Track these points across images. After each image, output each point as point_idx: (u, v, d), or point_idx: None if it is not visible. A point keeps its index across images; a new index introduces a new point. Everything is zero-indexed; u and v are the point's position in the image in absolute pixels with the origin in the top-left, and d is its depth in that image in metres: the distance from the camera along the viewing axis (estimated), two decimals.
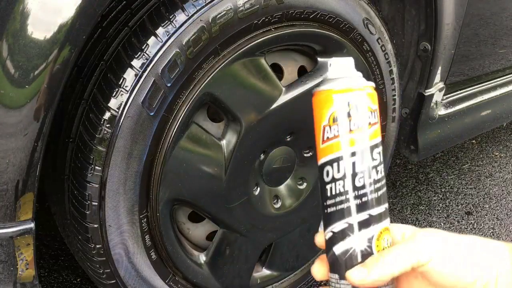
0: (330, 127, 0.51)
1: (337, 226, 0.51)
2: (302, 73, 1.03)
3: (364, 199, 0.51)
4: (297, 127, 1.03)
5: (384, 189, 0.53)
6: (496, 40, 1.44)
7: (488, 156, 2.06)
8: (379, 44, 1.08)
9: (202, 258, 1.02)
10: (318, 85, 0.54)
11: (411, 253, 0.50)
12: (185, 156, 0.88)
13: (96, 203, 0.83)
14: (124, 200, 0.85)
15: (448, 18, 1.17)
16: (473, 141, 2.17)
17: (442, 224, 1.63)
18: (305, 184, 1.10)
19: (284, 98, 0.97)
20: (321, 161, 0.52)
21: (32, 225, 0.75)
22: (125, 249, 0.88)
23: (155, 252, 0.93)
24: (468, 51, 1.35)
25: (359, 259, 0.51)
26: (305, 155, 1.07)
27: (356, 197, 0.51)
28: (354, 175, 0.51)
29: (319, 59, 1.01)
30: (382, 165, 0.52)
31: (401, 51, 1.25)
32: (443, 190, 1.81)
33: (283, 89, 0.97)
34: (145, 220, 0.89)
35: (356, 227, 0.51)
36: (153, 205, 0.88)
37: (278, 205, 1.08)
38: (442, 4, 1.13)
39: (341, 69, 0.54)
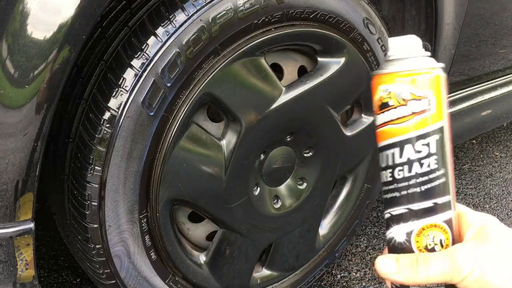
0: (377, 115, 0.50)
1: (386, 214, 0.51)
2: (302, 73, 1.03)
3: (403, 192, 0.49)
4: (297, 127, 1.02)
5: (436, 183, 0.49)
6: (497, 40, 1.44)
7: (489, 156, 2.05)
8: (379, 44, 1.08)
9: (202, 258, 1.01)
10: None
11: (448, 268, 0.47)
12: (185, 156, 0.88)
13: (96, 203, 0.83)
14: (124, 200, 0.85)
15: (448, 18, 1.17)
16: (474, 141, 2.17)
17: None
18: (305, 184, 1.09)
19: (284, 98, 0.96)
20: (378, 145, 0.51)
21: (31, 225, 0.75)
22: (125, 249, 0.88)
23: (155, 252, 0.93)
24: (468, 51, 1.35)
25: (398, 251, 0.50)
26: (305, 155, 1.07)
27: (396, 189, 0.49)
28: (393, 166, 0.49)
29: (319, 59, 1.01)
30: (434, 157, 0.49)
31: None
32: None
33: (283, 89, 0.97)
34: (145, 220, 0.89)
35: (395, 219, 0.50)
36: (153, 205, 0.88)
37: (278, 205, 1.07)
38: (443, 3, 1.13)
39: (404, 49, 0.50)
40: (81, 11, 0.69)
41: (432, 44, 1.19)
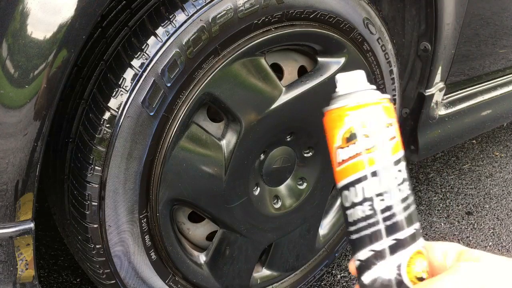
0: (342, 149, 0.48)
1: (362, 254, 0.47)
2: (302, 73, 1.03)
3: (388, 222, 0.46)
4: (297, 127, 1.02)
5: (412, 208, 0.48)
6: (497, 40, 1.44)
7: (489, 156, 2.05)
8: (379, 44, 1.08)
9: (202, 258, 1.01)
10: (328, 103, 0.50)
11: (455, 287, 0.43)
12: (185, 156, 0.88)
13: (96, 203, 0.83)
14: (124, 200, 0.85)
15: (448, 18, 1.17)
16: (474, 141, 2.17)
17: (442, 224, 1.63)
18: (305, 184, 1.09)
19: (284, 98, 0.96)
20: (338, 185, 0.49)
21: (31, 225, 0.75)
22: (125, 249, 0.88)
23: (155, 252, 0.93)
24: (469, 51, 1.35)
25: None
26: (305, 155, 1.07)
27: (379, 222, 0.46)
28: (372, 198, 0.46)
29: (319, 59, 1.01)
30: (407, 182, 0.47)
31: (401, 51, 1.25)
32: (443, 190, 1.81)
33: (283, 89, 0.97)
34: (145, 220, 0.89)
35: (382, 254, 0.46)
36: (153, 205, 0.88)
37: (278, 205, 1.07)
38: (443, 3, 1.13)
39: (351, 83, 0.49)
40: (81, 11, 0.69)
41: (432, 44, 1.19)
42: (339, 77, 0.50)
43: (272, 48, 0.94)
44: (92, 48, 0.86)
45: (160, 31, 0.80)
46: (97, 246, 0.86)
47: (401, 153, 0.48)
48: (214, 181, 0.93)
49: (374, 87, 0.50)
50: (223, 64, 0.86)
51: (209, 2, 0.82)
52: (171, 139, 0.85)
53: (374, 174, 0.46)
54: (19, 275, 0.77)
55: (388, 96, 0.50)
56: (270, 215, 1.06)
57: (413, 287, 0.45)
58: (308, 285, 1.25)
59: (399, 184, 0.46)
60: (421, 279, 0.46)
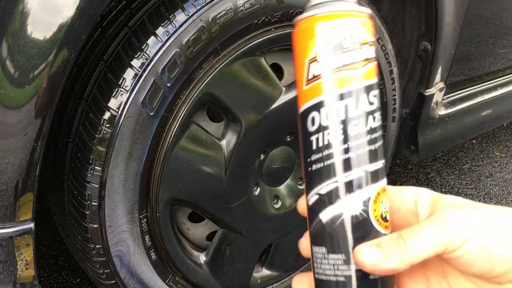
0: (316, 63, 0.41)
1: (325, 187, 0.42)
2: None
3: (359, 151, 0.41)
4: (297, 127, 1.02)
5: (382, 141, 0.43)
6: (497, 40, 1.44)
7: (489, 156, 2.05)
8: (379, 44, 1.08)
9: (202, 258, 1.01)
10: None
11: (441, 236, 0.39)
12: (185, 156, 0.88)
13: (96, 203, 0.83)
14: (124, 200, 0.85)
15: (448, 18, 1.17)
16: (474, 141, 2.17)
17: None
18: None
19: (284, 98, 0.96)
20: (304, 106, 0.43)
21: (31, 225, 0.75)
22: (124, 249, 0.88)
23: (155, 252, 0.93)
24: (469, 51, 1.35)
25: (353, 227, 0.41)
26: None
27: (348, 150, 0.41)
28: (345, 121, 0.41)
29: None
30: (379, 112, 0.43)
31: (402, 51, 1.25)
32: (443, 190, 1.81)
33: (283, 89, 0.97)
34: (145, 220, 0.89)
35: (348, 186, 0.41)
36: (153, 205, 0.88)
37: (278, 205, 1.07)
38: (443, 4, 1.13)
39: None
40: (81, 11, 0.69)
41: (432, 44, 1.19)
42: None
43: (272, 48, 0.94)
44: (92, 48, 0.86)
45: (160, 31, 0.80)
46: (97, 246, 0.86)
47: (374, 79, 0.43)
48: (214, 181, 0.93)
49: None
50: (223, 64, 0.86)
51: (209, 2, 0.82)
52: (171, 139, 0.85)
53: (344, 96, 0.41)
54: (19, 275, 0.77)
55: (367, 10, 0.44)
56: (270, 215, 1.06)
57: (395, 234, 0.41)
58: None
59: (372, 112, 0.42)
60: (385, 218, 0.42)
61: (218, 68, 0.86)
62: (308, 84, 0.42)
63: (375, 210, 0.41)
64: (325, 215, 0.43)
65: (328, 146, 0.42)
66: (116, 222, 0.85)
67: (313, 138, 0.42)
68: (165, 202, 0.89)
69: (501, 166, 1.98)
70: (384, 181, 0.43)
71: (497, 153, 2.08)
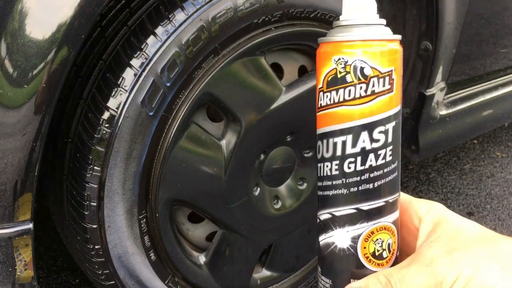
0: (324, 93, 0.41)
1: (323, 215, 0.42)
2: (303, 72, 1.03)
3: (352, 189, 0.40)
4: (297, 127, 1.02)
5: (388, 178, 0.41)
6: (498, 40, 1.44)
7: (490, 156, 2.05)
8: None
9: (202, 259, 1.01)
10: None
11: (427, 285, 0.39)
12: (184, 156, 0.88)
13: (95, 204, 0.82)
14: (123, 200, 0.84)
15: (449, 17, 1.16)
16: (475, 141, 2.16)
17: None
18: (305, 184, 1.09)
19: (284, 98, 0.96)
20: (317, 131, 0.43)
21: (30, 225, 0.75)
22: (124, 250, 0.88)
23: (154, 253, 0.92)
24: (470, 51, 1.34)
25: (340, 259, 0.42)
26: (305, 155, 1.07)
27: (342, 185, 0.41)
28: (342, 158, 0.40)
29: None
30: (390, 148, 0.41)
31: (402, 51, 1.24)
32: (444, 190, 1.81)
33: (283, 88, 0.96)
34: (144, 220, 0.88)
35: (339, 220, 0.41)
36: (153, 205, 0.88)
37: (278, 206, 1.07)
38: (444, 3, 1.13)
39: (352, 13, 0.41)
40: (80, 10, 0.69)
41: (433, 44, 1.19)
42: (347, 1, 0.42)
43: (272, 48, 0.94)
44: (91, 47, 0.85)
45: (159, 30, 0.80)
46: (96, 247, 0.86)
47: (389, 112, 0.41)
48: (214, 181, 0.93)
49: (383, 21, 0.42)
50: (223, 64, 0.86)
51: (209, 1, 0.81)
52: (170, 139, 0.85)
53: (344, 132, 0.40)
54: (18, 275, 0.76)
55: (392, 37, 0.41)
56: (270, 215, 1.05)
57: (383, 278, 0.40)
58: (309, 285, 1.25)
59: (375, 150, 0.40)
60: (379, 256, 0.42)
61: (218, 68, 0.85)
62: (318, 111, 0.42)
63: (364, 247, 0.41)
64: (321, 239, 0.43)
65: (325, 178, 0.42)
66: (115, 222, 0.85)
67: (319, 165, 0.43)
68: (165, 202, 0.89)
69: (502, 166, 1.98)
70: (386, 218, 0.42)
71: (498, 153, 2.08)
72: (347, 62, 0.40)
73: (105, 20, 0.86)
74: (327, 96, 0.41)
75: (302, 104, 0.99)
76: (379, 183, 0.41)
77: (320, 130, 0.42)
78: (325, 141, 0.41)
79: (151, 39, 0.80)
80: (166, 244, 0.92)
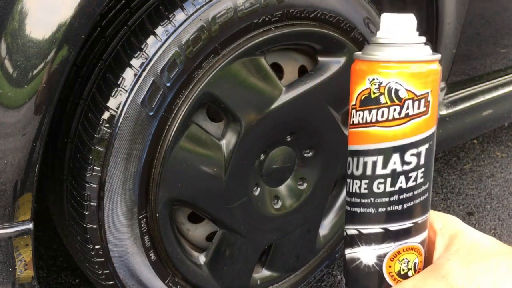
0: (356, 111, 0.40)
1: (350, 229, 0.42)
2: (303, 72, 1.03)
3: (381, 209, 0.40)
4: (298, 127, 1.02)
5: (418, 200, 0.41)
6: (498, 40, 1.44)
7: (490, 156, 2.05)
8: None
9: (202, 259, 1.01)
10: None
11: None
12: (184, 156, 0.88)
13: (95, 204, 0.82)
14: (123, 200, 0.84)
15: (449, 18, 1.16)
16: (475, 141, 2.16)
17: None
18: (305, 184, 1.09)
19: (284, 98, 0.96)
20: (348, 147, 0.42)
21: (30, 225, 0.75)
22: (124, 250, 0.88)
23: (154, 253, 0.92)
24: (470, 51, 1.34)
25: (365, 275, 0.42)
26: (305, 155, 1.07)
27: (371, 205, 0.40)
28: (371, 177, 0.40)
29: (319, 58, 1.01)
30: (421, 170, 0.40)
31: None
32: (444, 190, 1.81)
33: (283, 88, 0.96)
34: (144, 220, 0.88)
35: (365, 238, 0.41)
36: (153, 205, 0.88)
37: (278, 206, 1.07)
38: (444, 3, 1.13)
39: (390, 31, 0.40)
40: (80, 10, 0.69)
41: (433, 44, 1.19)
42: (386, 18, 0.41)
43: (272, 48, 0.94)
44: (91, 47, 0.85)
45: (159, 30, 0.80)
46: (96, 247, 0.86)
47: (423, 135, 0.39)
48: (213, 181, 0.93)
49: (422, 39, 0.40)
50: (223, 64, 0.86)
51: (209, 1, 0.81)
52: (170, 139, 0.85)
53: (375, 152, 0.39)
54: (18, 275, 0.76)
55: (432, 57, 0.39)
56: (270, 215, 1.05)
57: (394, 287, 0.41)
58: (309, 285, 1.25)
59: (406, 172, 0.39)
60: (405, 275, 0.42)
61: (218, 68, 0.85)
62: (350, 128, 0.41)
63: (390, 266, 0.41)
64: (347, 253, 0.43)
65: (354, 194, 0.41)
66: (115, 222, 0.85)
67: (348, 181, 0.42)
68: (165, 202, 0.89)
69: (502, 166, 1.98)
70: (414, 239, 0.41)
71: (498, 153, 2.08)
72: (381, 83, 0.39)
73: (105, 20, 0.86)
74: (359, 114, 0.40)
75: (302, 104, 0.99)
76: (408, 205, 0.41)
77: (351, 147, 0.41)
78: (355, 158, 0.41)
79: (151, 39, 0.80)
80: (166, 244, 0.92)
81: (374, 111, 0.39)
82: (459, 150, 2.09)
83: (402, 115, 0.39)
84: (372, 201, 0.40)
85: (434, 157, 0.41)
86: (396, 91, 0.39)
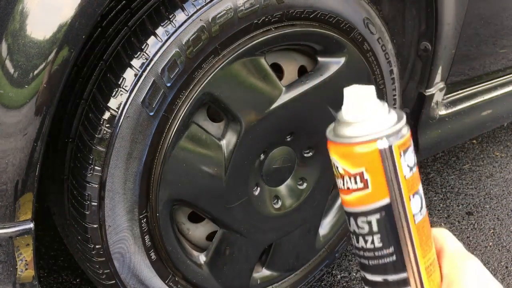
0: (341, 179, 0.45)
1: (361, 275, 0.48)
2: (303, 72, 1.03)
3: (373, 262, 0.45)
4: (297, 127, 1.02)
5: (384, 260, 0.45)
6: (497, 40, 1.44)
7: (489, 156, 2.05)
8: (379, 43, 1.08)
9: (202, 258, 1.01)
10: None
11: None
12: (185, 156, 0.88)
13: (95, 203, 0.82)
14: (124, 200, 0.85)
15: (448, 18, 1.16)
16: (474, 141, 2.16)
17: (442, 224, 1.63)
18: (305, 184, 1.09)
19: (284, 98, 0.96)
20: None
21: (31, 225, 0.75)
22: (124, 250, 0.88)
23: (155, 253, 0.93)
24: (469, 51, 1.35)
25: None
26: (305, 155, 1.07)
27: (366, 257, 0.45)
28: (363, 236, 0.45)
29: (319, 58, 1.01)
30: (377, 236, 0.44)
31: (402, 51, 1.25)
32: (443, 190, 1.81)
33: (283, 89, 0.96)
34: (144, 220, 0.89)
35: (373, 284, 0.46)
36: (153, 205, 0.88)
37: (278, 205, 1.07)
38: (443, 3, 1.13)
39: (359, 107, 0.42)
40: (80, 11, 0.69)
41: (432, 44, 1.19)
42: (348, 93, 0.43)
43: (272, 48, 0.94)
44: (92, 48, 0.86)
45: (160, 31, 0.80)
46: (97, 246, 0.86)
47: (368, 207, 0.44)
48: (214, 181, 0.93)
49: (384, 109, 0.42)
50: (223, 64, 0.86)
51: (209, 2, 0.81)
52: (171, 139, 0.85)
53: (345, 214, 0.45)
54: (18, 275, 0.77)
55: (389, 131, 0.41)
56: (270, 215, 1.06)
57: None
58: (308, 285, 1.25)
59: (362, 235, 0.44)
60: None
61: (218, 68, 0.86)
62: (339, 192, 0.46)
63: None
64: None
65: (356, 247, 0.46)
66: (116, 222, 0.85)
67: (351, 235, 0.47)
68: (165, 202, 0.89)
69: (501, 166, 1.98)
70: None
71: (497, 153, 2.08)
72: (331, 157, 0.45)
73: (105, 21, 0.86)
74: (344, 181, 0.44)
75: (302, 104, 1.00)
76: (373, 262, 0.45)
77: (345, 209, 0.46)
78: (348, 218, 0.46)
79: (151, 40, 0.80)
80: (166, 243, 0.93)
81: (338, 181, 0.45)
82: (458, 150, 2.09)
83: (345, 187, 0.44)
84: (366, 255, 0.45)
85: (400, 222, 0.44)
86: (337, 167, 0.44)
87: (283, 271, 1.16)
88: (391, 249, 0.44)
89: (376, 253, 0.45)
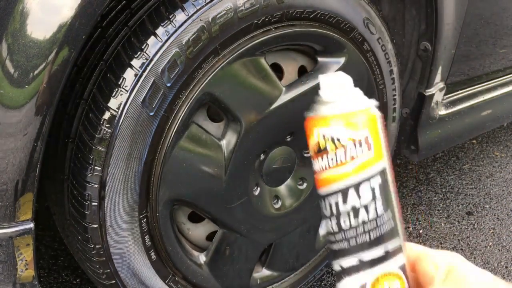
0: (313, 160, 0.48)
1: (335, 265, 0.48)
2: (302, 73, 1.03)
3: (352, 242, 0.46)
4: (297, 127, 1.02)
5: (385, 228, 0.46)
6: (497, 40, 1.44)
7: (489, 156, 2.05)
8: (379, 43, 1.08)
9: (202, 258, 1.01)
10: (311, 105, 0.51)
11: None
12: (185, 156, 0.88)
13: (95, 203, 0.83)
14: (124, 200, 0.85)
15: (448, 18, 1.16)
16: (474, 141, 2.16)
17: (442, 224, 1.63)
18: (305, 184, 1.09)
19: (284, 98, 0.96)
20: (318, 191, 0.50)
21: (31, 225, 0.75)
22: (124, 249, 0.88)
23: (155, 252, 0.93)
24: (469, 51, 1.35)
25: None
26: (305, 155, 1.07)
27: (342, 240, 0.46)
28: (337, 215, 0.46)
29: (319, 59, 1.01)
30: (380, 201, 0.46)
31: (402, 51, 1.25)
32: (443, 190, 1.81)
33: (283, 89, 0.96)
34: (144, 220, 0.89)
35: (347, 270, 0.46)
36: (153, 205, 0.88)
37: (278, 205, 1.07)
38: (443, 4, 1.13)
39: (335, 88, 0.49)
40: (81, 11, 0.69)
41: (432, 44, 1.19)
42: (323, 79, 0.50)
43: (272, 48, 0.94)
44: (92, 48, 0.86)
45: (160, 31, 0.80)
46: (97, 246, 0.86)
47: (369, 171, 0.46)
48: (214, 181, 0.93)
49: (352, 92, 0.48)
50: (223, 64, 0.86)
51: (209, 2, 0.82)
52: (171, 139, 0.85)
53: (332, 193, 0.46)
54: (19, 275, 0.77)
55: (375, 102, 0.47)
56: (270, 215, 1.06)
57: None
58: (308, 285, 1.25)
59: (365, 205, 0.45)
60: None
61: (218, 68, 0.86)
62: (317, 174, 0.48)
63: None
64: (337, 287, 0.48)
65: (330, 233, 0.47)
66: (116, 222, 0.85)
67: (324, 222, 0.47)
68: (165, 202, 0.89)
69: (501, 166, 1.98)
70: (390, 265, 0.46)
71: (497, 153, 2.08)
72: (324, 133, 0.48)
73: (105, 21, 0.87)
74: (317, 162, 0.48)
75: (302, 104, 1.00)
76: (374, 234, 0.46)
77: (320, 192, 0.47)
78: (323, 201, 0.47)
79: (151, 40, 0.80)
80: (166, 243, 0.93)
81: (338, 153, 0.47)
82: (458, 150, 2.09)
83: (349, 157, 0.46)
84: (343, 236, 0.46)
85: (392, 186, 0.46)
86: (338, 139, 0.47)
87: (283, 271, 1.16)
88: (390, 213, 0.46)
89: (378, 222, 0.46)
